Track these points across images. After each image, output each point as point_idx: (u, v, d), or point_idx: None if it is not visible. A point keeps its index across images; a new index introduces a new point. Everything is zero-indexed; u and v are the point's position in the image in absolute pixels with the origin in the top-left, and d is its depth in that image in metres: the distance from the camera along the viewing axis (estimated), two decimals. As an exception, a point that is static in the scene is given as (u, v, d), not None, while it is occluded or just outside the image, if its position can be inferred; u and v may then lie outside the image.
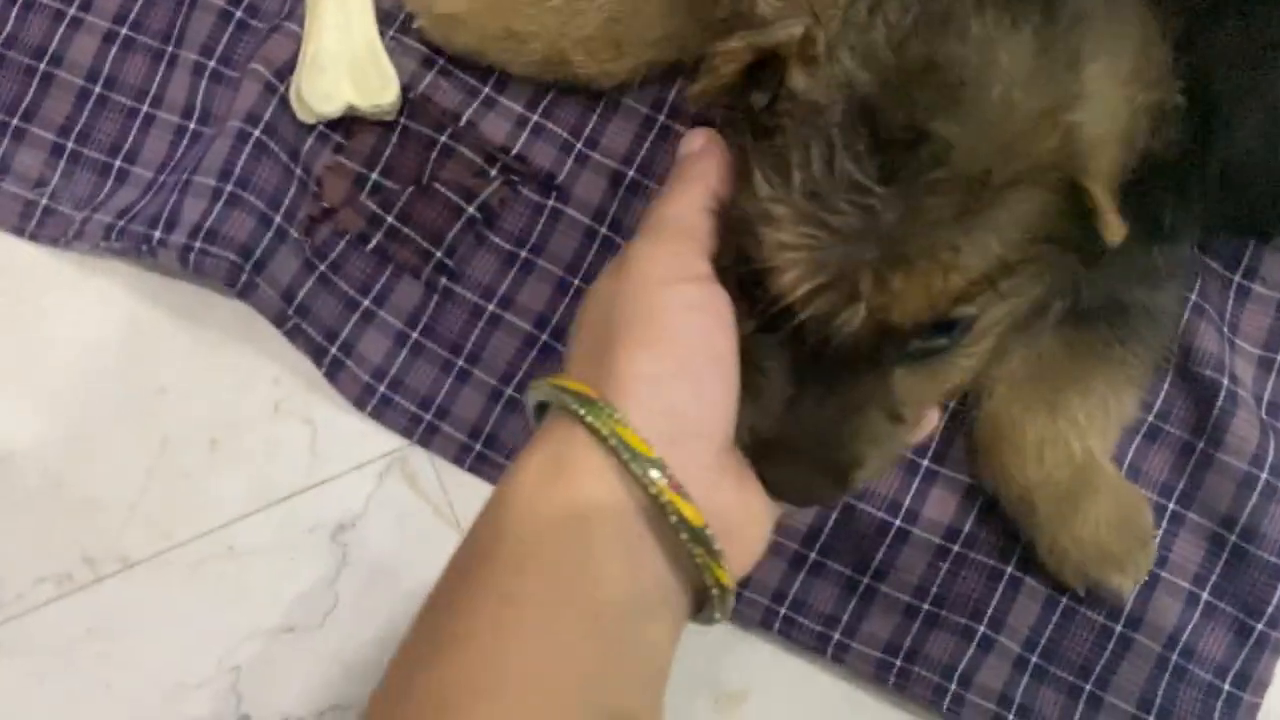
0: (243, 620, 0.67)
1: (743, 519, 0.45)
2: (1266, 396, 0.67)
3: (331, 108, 0.65)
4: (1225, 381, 0.64)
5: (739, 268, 0.45)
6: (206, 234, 0.64)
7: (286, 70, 0.66)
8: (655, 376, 0.42)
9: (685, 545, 0.41)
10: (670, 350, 0.43)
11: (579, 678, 0.40)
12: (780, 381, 0.45)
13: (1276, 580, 0.65)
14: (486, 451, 0.68)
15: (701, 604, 0.44)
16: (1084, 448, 0.61)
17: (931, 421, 0.52)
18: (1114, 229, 0.42)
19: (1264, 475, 0.64)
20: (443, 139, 0.69)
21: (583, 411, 0.41)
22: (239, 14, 0.69)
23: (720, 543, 0.41)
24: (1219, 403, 0.64)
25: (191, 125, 0.69)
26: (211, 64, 0.69)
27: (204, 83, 0.69)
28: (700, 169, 0.49)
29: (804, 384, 0.44)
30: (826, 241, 0.40)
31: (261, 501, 0.68)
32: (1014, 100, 0.40)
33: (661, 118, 0.69)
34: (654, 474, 0.40)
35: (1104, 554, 0.62)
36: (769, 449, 0.45)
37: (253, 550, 0.67)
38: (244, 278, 0.64)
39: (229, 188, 0.64)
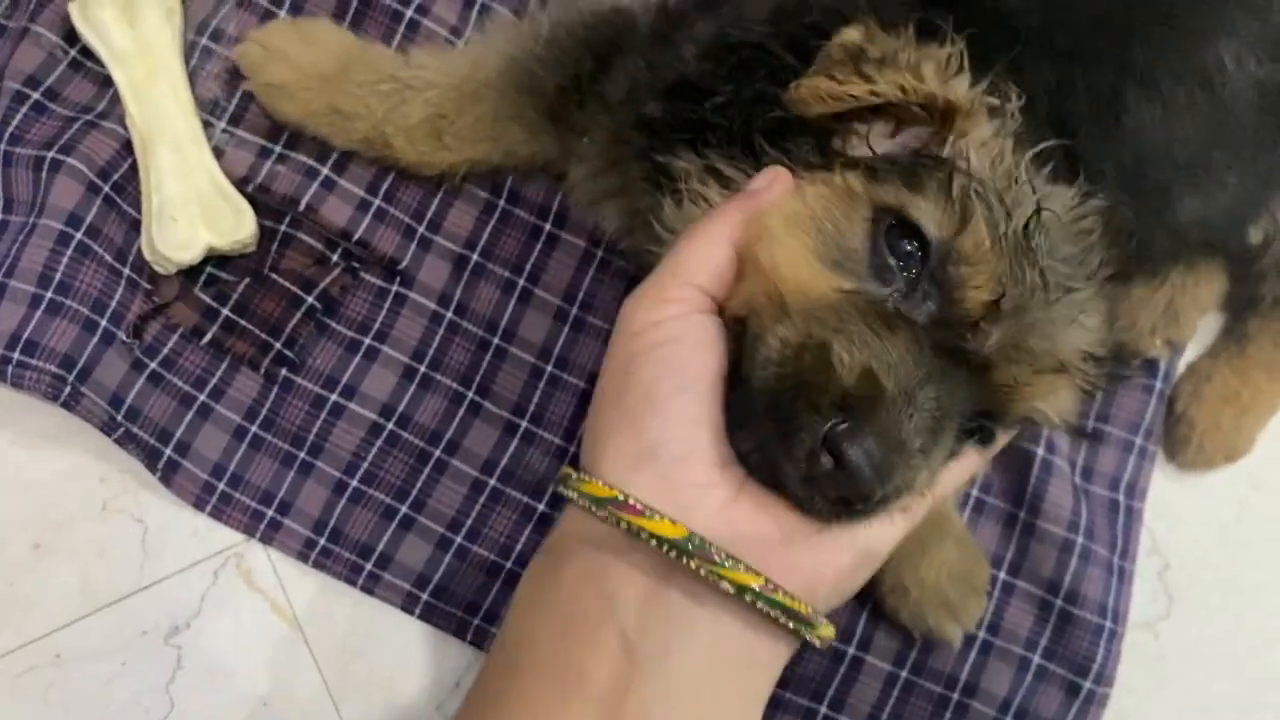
0: (73, 730, 0.64)
1: (790, 522, 0.42)
2: (1080, 462, 0.70)
3: (190, 255, 0.64)
4: (1040, 451, 0.67)
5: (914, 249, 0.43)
6: (25, 345, 0.61)
7: (111, 170, 0.64)
8: (622, 424, 0.42)
9: (692, 568, 0.40)
10: (633, 394, 0.43)
11: None
12: (923, 365, 0.41)
13: (1100, 639, 0.68)
14: (331, 546, 0.66)
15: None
16: (942, 495, 0.63)
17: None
18: None
19: (1079, 539, 0.67)
20: (282, 228, 0.68)
21: (562, 488, 0.43)
22: (36, 95, 0.66)
23: (754, 553, 0.40)
24: (1034, 472, 0.67)
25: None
26: (2, 145, 0.65)
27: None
28: (737, 203, 0.46)
29: (941, 379, 0.42)
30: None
31: (90, 605, 0.65)
32: None
33: (502, 202, 0.69)
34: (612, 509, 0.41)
35: (942, 600, 0.64)
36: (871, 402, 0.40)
37: (81, 657, 0.64)
38: (67, 390, 0.62)
39: (49, 294, 0.62)
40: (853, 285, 0.42)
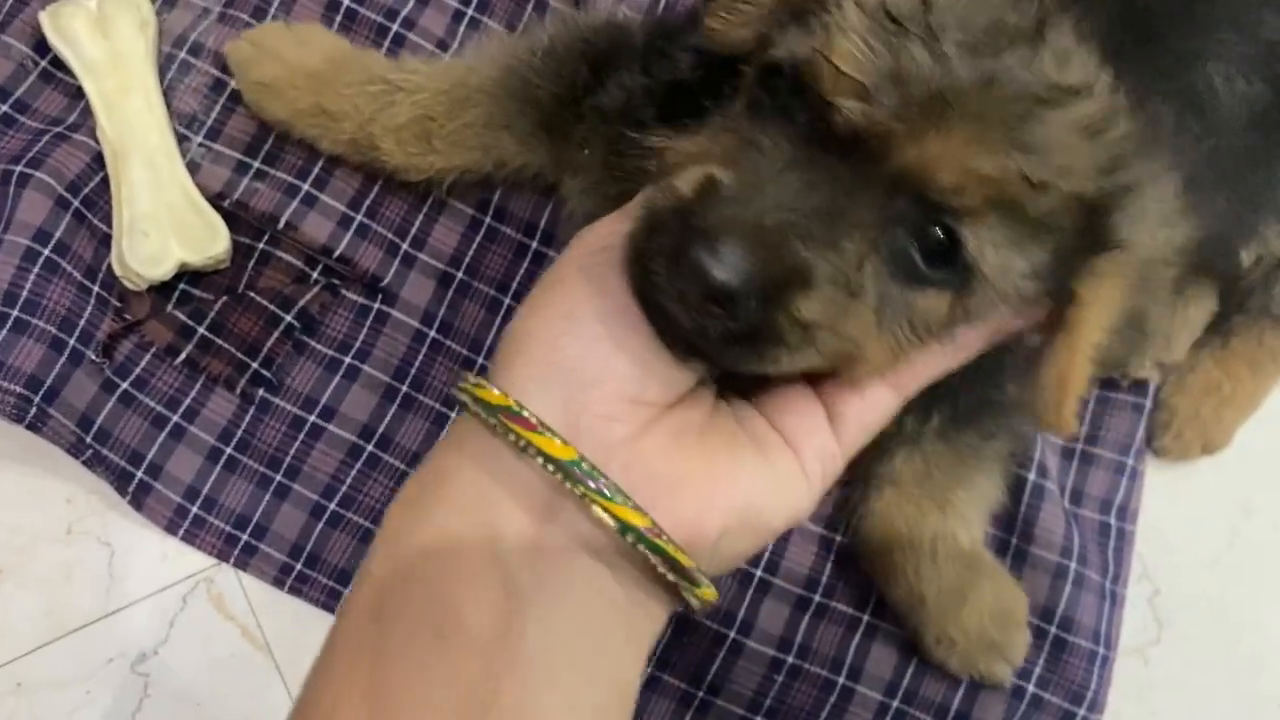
0: (36, 762, 0.61)
1: (687, 469, 0.39)
2: (1069, 485, 0.70)
3: (162, 270, 0.62)
4: (1031, 476, 0.66)
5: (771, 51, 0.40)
6: (-13, 365, 0.59)
7: (81, 183, 0.63)
8: (538, 331, 0.40)
9: (566, 488, 0.37)
10: (560, 307, 0.40)
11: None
12: (780, 158, 0.38)
13: (1094, 665, 0.67)
14: (308, 572, 0.64)
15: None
16: (971, 538, 0.63)
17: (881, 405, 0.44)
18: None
19: (1073, 565, 0.66)
20: (260, 245, 0.66)
21: (456, 390, 0.40)
22: (4, 108, 0.65)
23: (642, 494, 0.37)
24: (1025, 498, 0.66)
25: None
26: None
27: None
28: None
29: (808, 166, 0.38)
30: (901, 61, 0.36)
31: (55, 632, 0.62)
32: None
33: (488, 219, 0.68)
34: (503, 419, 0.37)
35: (988, 644, 0.63)
36: (718, 212, 0.37)
37: (45, 685, 0.62)
38: (33, 411, 0.60)
39: (15, 313, 0.60)
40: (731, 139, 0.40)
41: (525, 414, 0.37)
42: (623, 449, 0.38)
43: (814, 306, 0.37)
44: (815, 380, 0.42)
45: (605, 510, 0.37)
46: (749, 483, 0.40)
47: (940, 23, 0.37)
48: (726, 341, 0.38)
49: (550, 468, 0.37)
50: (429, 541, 0.38)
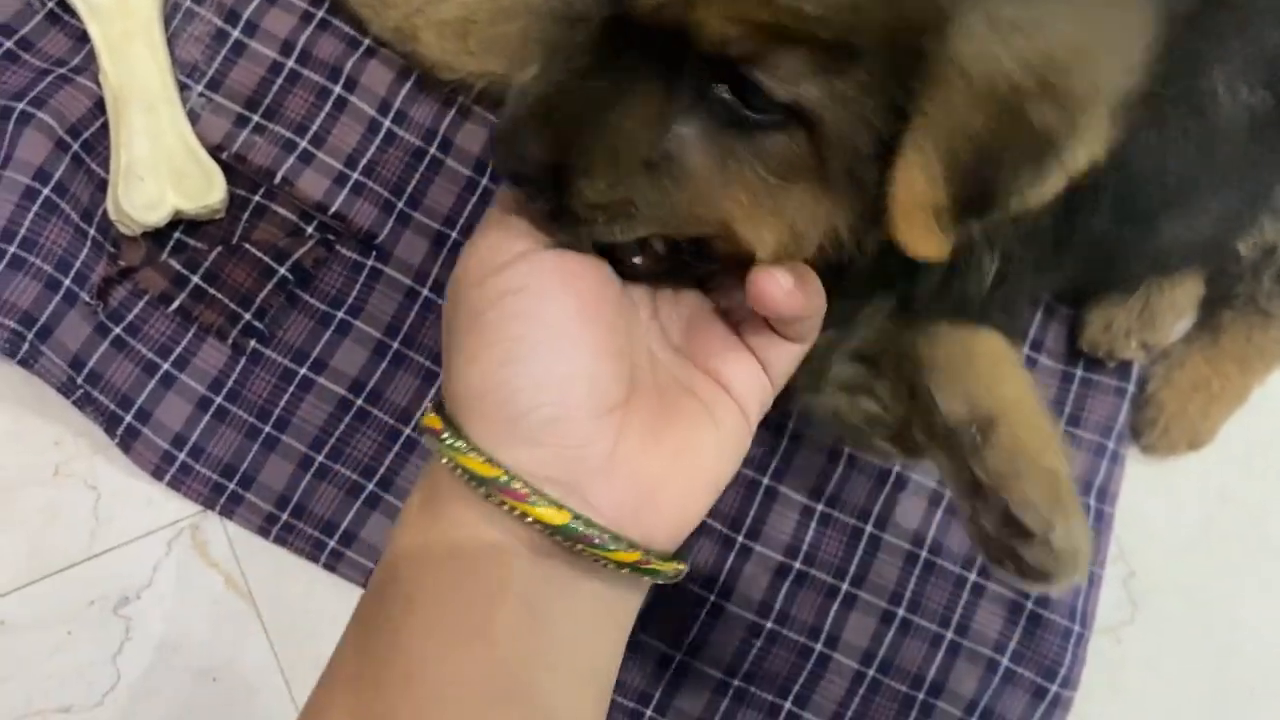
0: (13, 700, 0.61)
1: (664, 469, 0.41)
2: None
3: (157, 217, 0.62)
4: (1014, 454, 0.67)
5: None
6: (-16, 300, 0.60)
7: (82, 127, 0.63)
8: (486, 389, 0.39)
9: (572, 549, 0.39)
10: (492, 353, 0.39)
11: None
12: (574, 58, 0.39)
13: (1068, 642, 0.68)
14: (294, 522, 0.65)
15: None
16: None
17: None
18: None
19: (1052, 544, 0.67)
20: (256, 198, 0.67)
21: (435, 450, 0.40)
22: (9, 44, 0.65)
23: (629, 518, 0.39)
24: (1008, 475, 0.67)
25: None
26: None
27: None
28: None
29: (590, 60, 0.39)
30: None
31: (37, 572, 0.63)
32: None
33: (484, 180, 0.69)
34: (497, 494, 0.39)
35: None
36: (520, 117, 0.39)
37: (26, 624, 0.62)
38: (26, 347, 0.60)
39: (12, 249, 0.61)
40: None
41: (515, 486, 0.38)
42: (603, 469, 0.39)
43: (598, 186, 0.38)
44: (742, 326, 0.44)
45: (603, 557, 0.39)
46: (714, 460, 0.42)
47: None
48: (553, 220, 0.39)
49: (548, 531, 0.39)
50: (442, 561, 0.40)
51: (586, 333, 0.40)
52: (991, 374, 0.51)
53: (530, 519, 0.38)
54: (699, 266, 0.44)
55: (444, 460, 0.39)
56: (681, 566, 0.42)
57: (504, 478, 0.38)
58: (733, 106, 0.38)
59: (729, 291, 0.45)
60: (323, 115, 0.67)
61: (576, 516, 0.39)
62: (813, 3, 0.35)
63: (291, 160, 0.66)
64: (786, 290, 0.41)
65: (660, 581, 0.42)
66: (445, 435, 0.39)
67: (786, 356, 0.45)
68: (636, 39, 0.38)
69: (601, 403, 0.40)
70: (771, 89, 0.37)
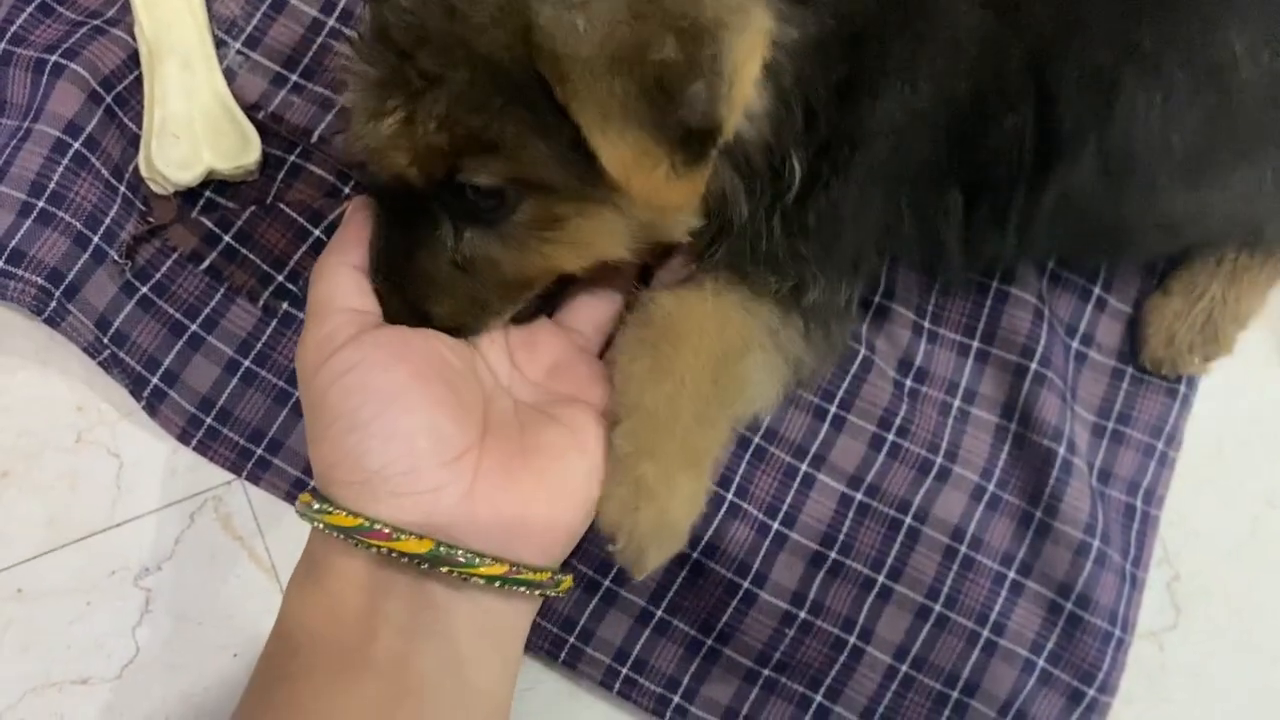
0: (31, 670, 0.60)
1: (526, 496, 0.45)
2: (1098, 464, 0.68)
3: (190, 176, 0.61)
4: (1061, 450, 0.65)
5: None
6: (11, 254, 0.58)
7: (115, 80, 0.61)
8: (338, 457, 0.44)
9: (443, 574, 0.43)
10: (337, 425, 0.44)
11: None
12: (377, 231, 0.50)
13: (1107, 646, 0.66)
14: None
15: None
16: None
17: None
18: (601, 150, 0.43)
19: (1095, 543, 0.65)
20: (292, 157, 0.65)
21: (308, 519, 0.45)
22: (43, -3, 0.63)
23: (497, 539, 0.44)
24: (1054, 472, 0.65)
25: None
26: (2, 45, 0.62)
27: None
28: (345, 233, 0.51)
29: (384, 231, 0.50)
30: (362, 90, 0.46)
31: (57, 540, 0.61)
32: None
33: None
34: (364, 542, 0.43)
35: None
36: (381, 285, 0.50)
37: (45, 593, 0.61)
38: (53, 304, 0.59)
39: (41, 203, 0.59)
40: None
41: (377, 527, 0.43)
42: (463, 506, 0.44)
43: (444, 310, 0.50)
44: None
45: (471, 575, 0.43)
46: (583, 481, 0.47)
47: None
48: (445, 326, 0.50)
49: (416, 562, 0.43)
50: (323, 609, 0.44)
51: (423, 391, 0.45)
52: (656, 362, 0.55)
53: (396, 554, 0.43)
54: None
55: (318, 526, 0.44)
56: (560, 575, 0.46)
57: (367, 523, 0.43)
58: (480, 206, 0.47)
59: (574, 311, 0.56)
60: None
61: (439, 544, 0.43)
62: (424, 115, 0.44)
63: (329, 118, 0.64)
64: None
65: (547, 594, 0.46)
66: (315, 504, 0.44)
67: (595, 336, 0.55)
68: (390, 192, 0.48)
69: (448, 449, 0.44)
70: (478, 183, 0.46)
